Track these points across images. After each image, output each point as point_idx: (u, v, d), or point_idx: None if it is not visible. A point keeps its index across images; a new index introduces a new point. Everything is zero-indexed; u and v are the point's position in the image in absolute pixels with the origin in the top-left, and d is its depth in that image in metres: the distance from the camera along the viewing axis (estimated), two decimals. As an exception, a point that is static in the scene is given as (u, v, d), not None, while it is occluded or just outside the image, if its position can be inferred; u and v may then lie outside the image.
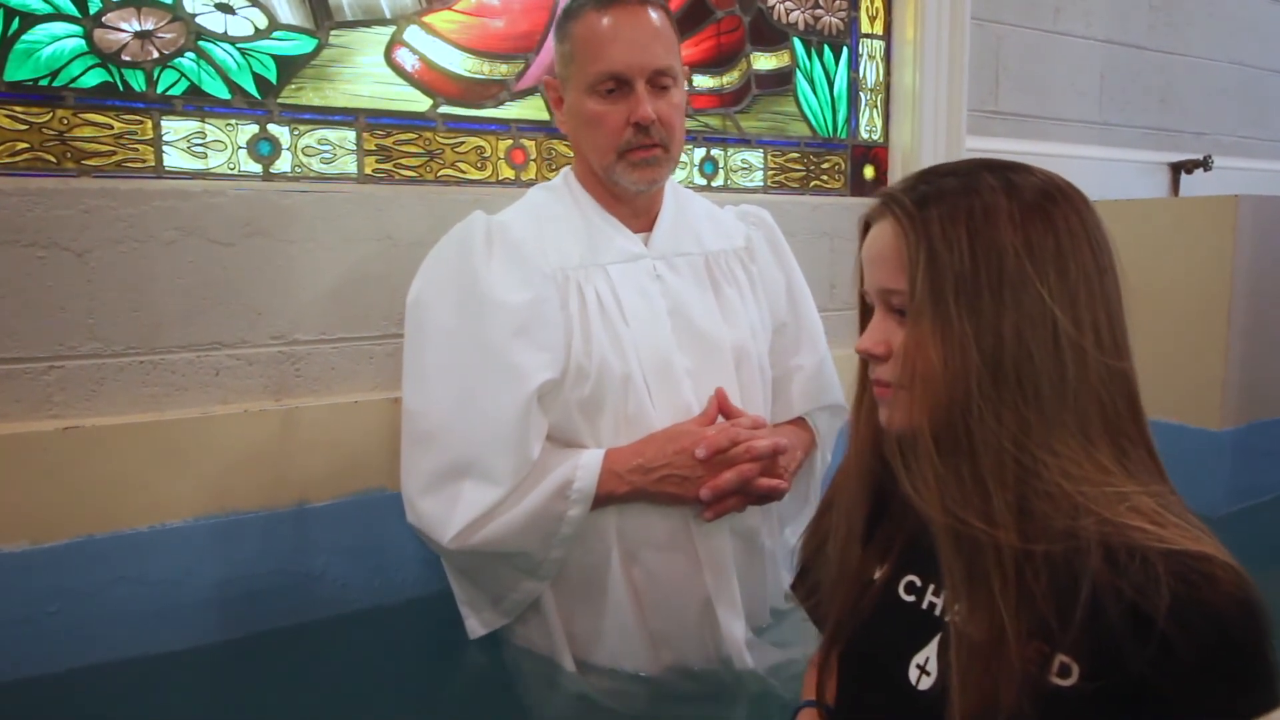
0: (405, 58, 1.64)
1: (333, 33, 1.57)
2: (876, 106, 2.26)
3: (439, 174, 1.69)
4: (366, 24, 1.60)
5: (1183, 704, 0.64)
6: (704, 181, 2.02)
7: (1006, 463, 0.70)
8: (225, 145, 1.50)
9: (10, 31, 1.33)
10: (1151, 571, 0.64)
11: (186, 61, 1.45)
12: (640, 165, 1.26)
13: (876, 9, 2.23)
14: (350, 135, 1.60)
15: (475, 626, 1.33)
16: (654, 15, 1.25)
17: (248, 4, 1.49)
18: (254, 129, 1.52)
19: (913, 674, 0.78)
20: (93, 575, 1.34)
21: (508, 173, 1.76)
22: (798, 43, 2.12)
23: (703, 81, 2.00)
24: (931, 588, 0.81)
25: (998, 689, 0.68)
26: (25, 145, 1.36)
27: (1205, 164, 2.80)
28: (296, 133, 1.55)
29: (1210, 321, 2.11)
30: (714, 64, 2.01)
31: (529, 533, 1.18)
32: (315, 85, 1.56)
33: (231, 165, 1.50)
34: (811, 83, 2.16)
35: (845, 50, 2.20)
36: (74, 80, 1.38)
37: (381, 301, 1.58)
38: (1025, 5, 2.48)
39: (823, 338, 1.49)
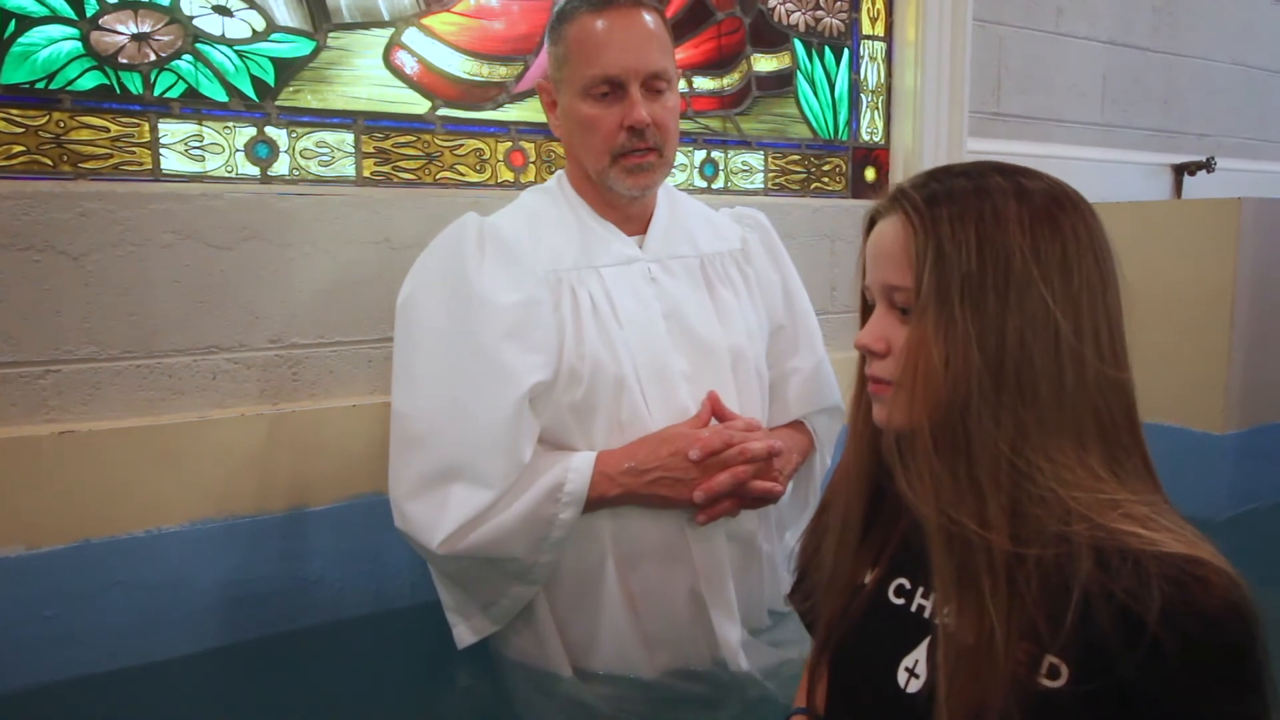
0: (404, 60, 1.64)
1: (331, 35, 1.57)
2: (878, 108, 2.26)
3: (438, 177, 1.68)
4: (365, 26, 1.59)
5: (1172, 707, 0.64)
6: (704, 184, 2.02)
7: (1002, 465, 0.70)
8: (223, 148, 1.50)
9: (6, 34, 1.33)
10: (1143, 574, 0.64)
11: (184, 64, 1.45)
12: (634, 171, 1.25)
13: (877, 10, 2.22)
14: (348, 138, 1.60)
15: (464, 634, 1.28)
16: (648, 18, 1.24)
17: (245, 6, 1.49)
18: (252, 132, 1.52)
19: (901, 677, 0.78)
20: (89, 580, 1.34)
21: (507, 175, 1.75)
22: (798, 44, 2.11)
23: (703, 83, 1.99)
24: (921, 590, 0.81)
25: (985, 692, 0.68)
26: (22, 148, 1.36)
27: (1208, 166, 2.79)
28: (294, 135, 1.55)
29: (1213, 324, 2.10)
30: (714, 66, 2.01)
31: (519, 537, 1.16)
32: (313, 88, 1.56)
33: (229, 168, 1.50)
34: (812, 84, 2.15)
35: (846, 52, 2.19)
36: (71, 83, 1.38)
37: (379, 305, 1.57)
38: (1027, 6, 2.47)
39: (820, 340, 1.47)
